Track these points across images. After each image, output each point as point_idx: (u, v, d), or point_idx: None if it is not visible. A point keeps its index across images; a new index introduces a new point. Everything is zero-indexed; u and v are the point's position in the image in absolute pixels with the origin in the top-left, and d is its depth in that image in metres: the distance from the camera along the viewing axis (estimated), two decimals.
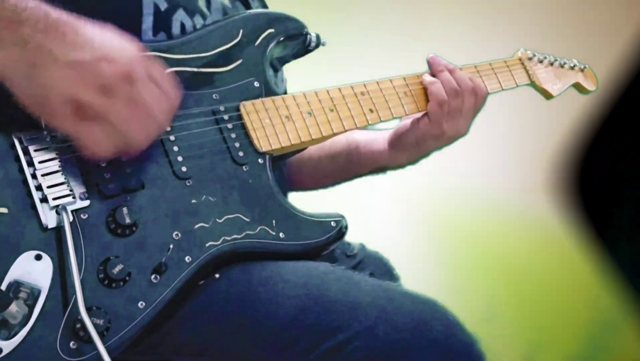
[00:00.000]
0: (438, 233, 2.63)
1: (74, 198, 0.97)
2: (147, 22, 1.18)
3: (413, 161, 1.45)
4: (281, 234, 1.12)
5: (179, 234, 1.03)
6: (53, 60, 0.89)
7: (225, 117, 1.16)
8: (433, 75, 1.39)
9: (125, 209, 0.98)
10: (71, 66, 0.89)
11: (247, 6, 1.43)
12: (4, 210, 0.93)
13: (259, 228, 1.10)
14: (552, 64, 1.66)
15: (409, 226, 2.59)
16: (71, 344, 0.91)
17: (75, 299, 0.91)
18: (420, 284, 1.18)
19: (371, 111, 1.32)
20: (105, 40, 0.94)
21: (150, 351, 1.02)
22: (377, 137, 1.48)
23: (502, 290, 2.72)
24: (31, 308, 0.90)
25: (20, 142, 0.96)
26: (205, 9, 1.29)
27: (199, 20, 1.26)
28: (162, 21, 1.19)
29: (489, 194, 2.74)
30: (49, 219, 0.94)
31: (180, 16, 1.22)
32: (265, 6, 1.51)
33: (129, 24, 1.16)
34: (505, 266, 2.74)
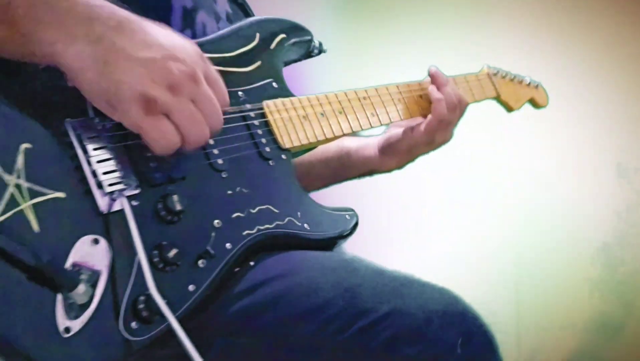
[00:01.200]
0: (437, 230, 2.73)
1: (126, 184, 1.00)
2: (176, 18, 1.23)
3: (401, 166, 1.58)
4: (305, 225, 1.19)
5: (220, 223, 1.08)
6: (125, 57, 0.91)
7: (252, 114, 1.22)
8: (438, 88, 1.50)
9: (176, 197, 1.02)
10: (142, 63, 0.92)
11: (245, 12, 1.52)
12: (62, 195, 0.95)
13: (286, 219, 1.17)
14: (512, 80, 1.85)
15: (404, 223, 2.68)
16: (133, 324, 0.94)
17: (135, 281, 0.95)
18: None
19: (372, 114, 1.43)
20: (170, 40, 0.97)
21: (191, 334, 1.06)
22: (367, 143, 1.59)
23: (503, 290, 2.85)
24: (93, 290, 0.92)
25: (74, 129, 0.98)
26: (218, 11, 1.36)
27: (214, 22, 1.33)
28: (188, 19, 1.25)
29: (488, 191, 2.86)
30: (105, 204, 0.97)
31: (202, 17, 1.28)
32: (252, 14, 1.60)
33: (158, 20, 1.21)
34: (507, 265, 2.86)
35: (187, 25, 1.25)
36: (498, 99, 1.79)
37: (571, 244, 2.92)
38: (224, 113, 1.17)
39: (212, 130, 1.00)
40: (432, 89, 1.50)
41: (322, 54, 1.47)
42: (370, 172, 1.60)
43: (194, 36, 1.26)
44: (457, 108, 1.50)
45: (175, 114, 0.95)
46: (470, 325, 1.09)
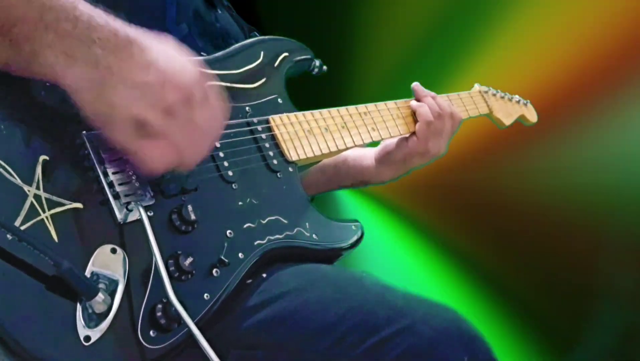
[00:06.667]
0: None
1: (142, 195, 1.01)
2: (171, 12, 1.27)
3: (395, 178, 1.61)
4: (314, 236, 1.21)
5: (232, 233, 1.10)
6: (121, 80, 0.91)
7: (259, 128, 1.25)
8: (418, 100, 1.57)
9: (190, 207, 1.04)
10: (137, 86, 0.92)
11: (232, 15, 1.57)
12: (79, 205, 0.96)
13: (296, 230, 1.19)
14: (502, 98, 1.91)
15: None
16: (151, 332, 0.94)
17: (152, 289, 0.96)
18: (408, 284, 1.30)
19: (373, 129, 1.46)
20: (169, 61, 0.96)
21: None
22: (364, 153, 1.62)
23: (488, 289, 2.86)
24: (112, 299, 0.93)
25: (91, 141, 1.00)
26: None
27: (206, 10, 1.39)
28: (183, 12, 1.29)
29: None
30: (121, 215, 0.98)
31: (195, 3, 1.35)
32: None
33: (155, 14, 1.25)
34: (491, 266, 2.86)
35: (182, 18, 1.29)
36: (490, 115, 1.84)
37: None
38: (230, 127, 1.20)
39: (201, 151, 1.01)
40: (412, 102, 1.57)
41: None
42: (365, 183, 1.63)
43: (189, 28, 1.31)
44: (446, 117, 1.54)
45: (168, 137, 0.94)
46: (476, 344, 1.10)
